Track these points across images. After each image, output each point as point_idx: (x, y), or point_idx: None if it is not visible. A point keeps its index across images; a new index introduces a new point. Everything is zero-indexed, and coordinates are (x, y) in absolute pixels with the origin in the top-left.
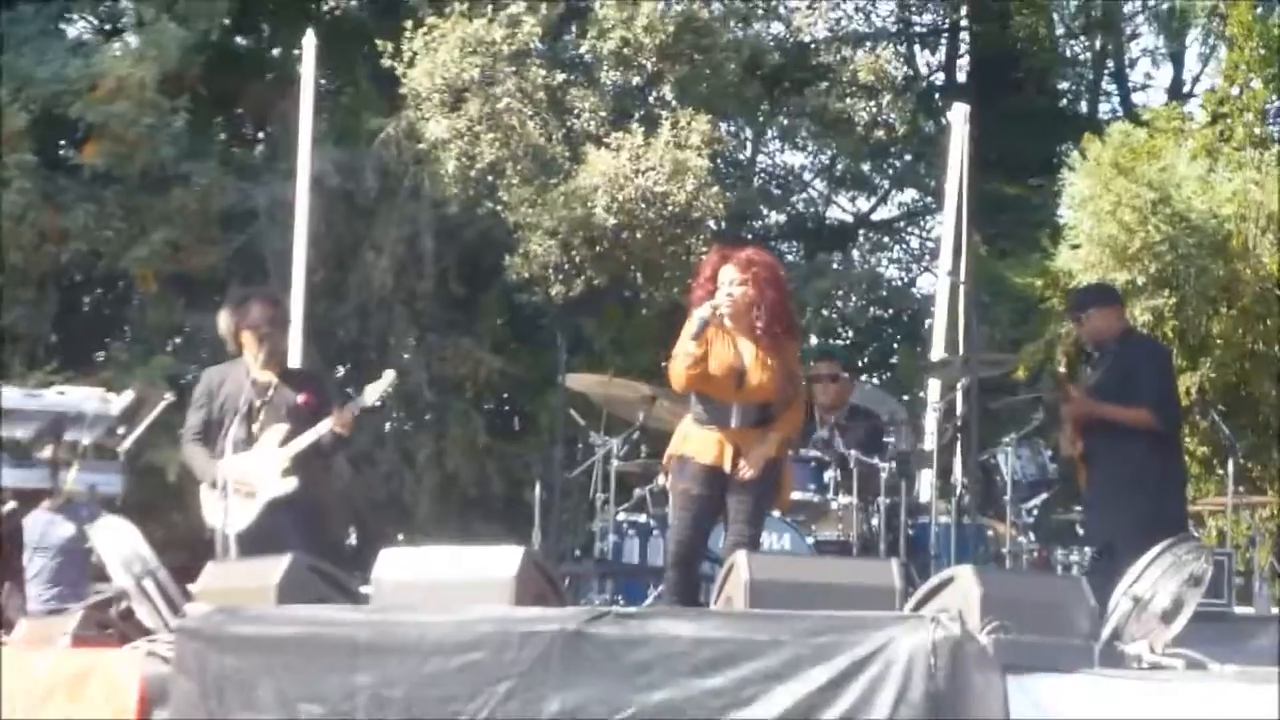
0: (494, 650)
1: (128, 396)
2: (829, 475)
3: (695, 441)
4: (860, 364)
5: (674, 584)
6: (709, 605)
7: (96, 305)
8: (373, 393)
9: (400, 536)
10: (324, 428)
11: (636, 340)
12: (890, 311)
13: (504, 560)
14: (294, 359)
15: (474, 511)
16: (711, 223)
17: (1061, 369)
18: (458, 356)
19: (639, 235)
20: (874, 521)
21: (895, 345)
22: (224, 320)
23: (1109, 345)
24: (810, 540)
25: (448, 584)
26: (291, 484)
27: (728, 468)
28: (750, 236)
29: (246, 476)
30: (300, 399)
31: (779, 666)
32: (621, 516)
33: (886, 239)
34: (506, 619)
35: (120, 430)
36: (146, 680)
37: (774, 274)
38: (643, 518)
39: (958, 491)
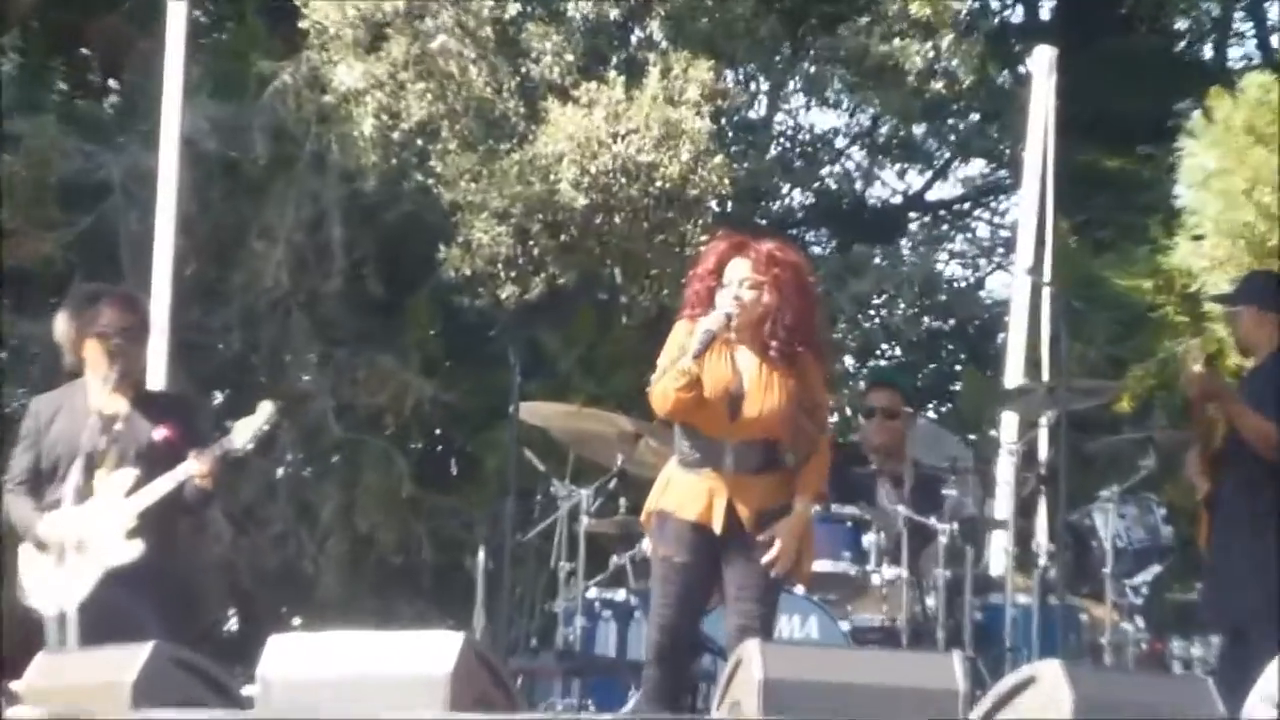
0: None
1: None
2: (869, 540)
3: (678, 491)
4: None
5: (657, 685)
6: (708, 713)
7: None
8: (244, 432)
9: (296, 620)
10: (180, 474)
11: (613, 359)
12: (951, 322)
13: (436, 651)
14: (155, 380)
15: (396, 586)
16: (714, 203)
17: (1197, 366)
18: (375, 379)
19: (617, 219)
20: (930, 601)
21: (957, 367)
22: (62, 327)
23: (1261, 358)
24: (845, 626)
25: (360, 683)
26: (135, 549)
27: (718, 526)
28: (765, 222)
29: (81, 536)
30: (159, 435)
31: None
32: (593, 593)
33: (946, 226)
34: None
35: None
36: None
37: (802, 280)
38: (621, 595)
39: (1041, 563)
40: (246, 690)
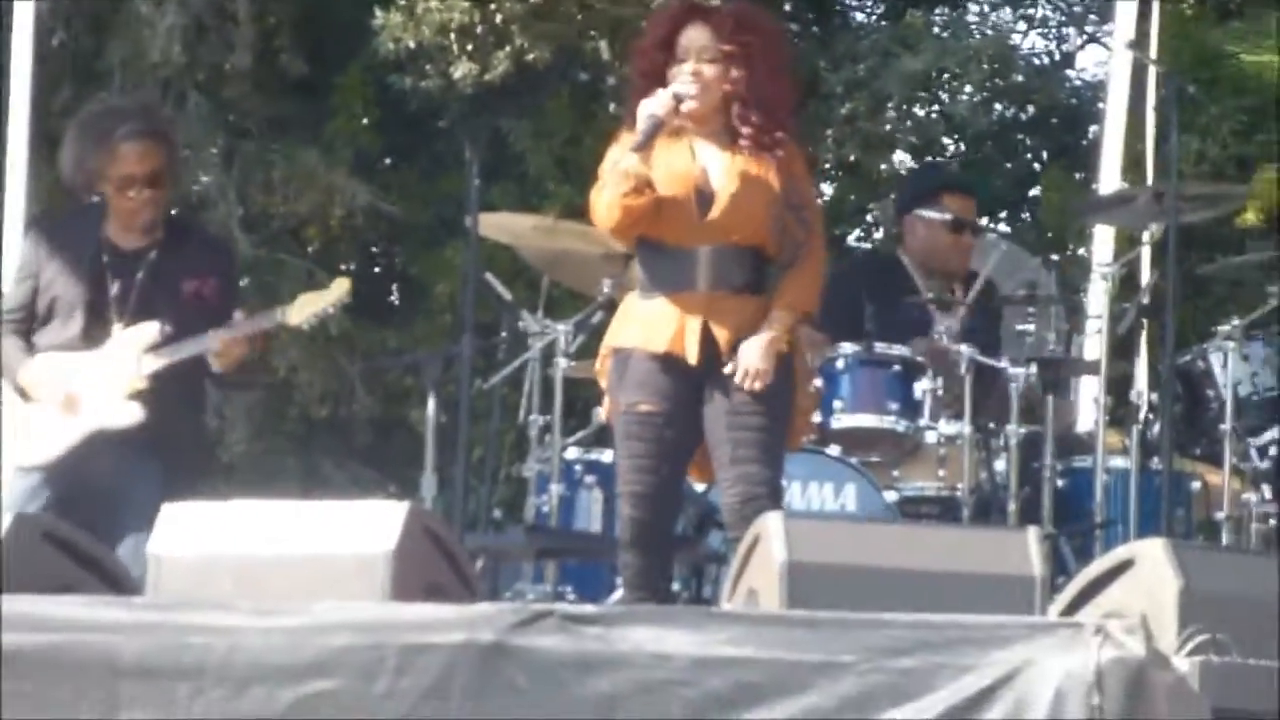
0: (357, 677)
1: None
2: (922, 387)
3: (639, 321)
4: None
5: (638, 573)
6: (717, 602)
7: None
8: (305, 308)
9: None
10: (211, 342)
11: (597, 157)
12: (1029, 110)
13: (373, 525)
14: (12, 187)
15: (322, 444)
16: None
17: None
18: (294, 181)
19: None
20: (999, 465)
21: (1037, 168)
22: (70, 162)
23: None
24: (891, 496)
25: (277, 563)
26: (131, 414)
27: (693, 356)
28: None
29: (72, 388)
30: (191, 285)
31: (837, 706)
32: (572, 454)
33: None
34: (378, 625)
35: None
36: None
37: (779, 50)
38: (607, 456)
39: (1142, 416)
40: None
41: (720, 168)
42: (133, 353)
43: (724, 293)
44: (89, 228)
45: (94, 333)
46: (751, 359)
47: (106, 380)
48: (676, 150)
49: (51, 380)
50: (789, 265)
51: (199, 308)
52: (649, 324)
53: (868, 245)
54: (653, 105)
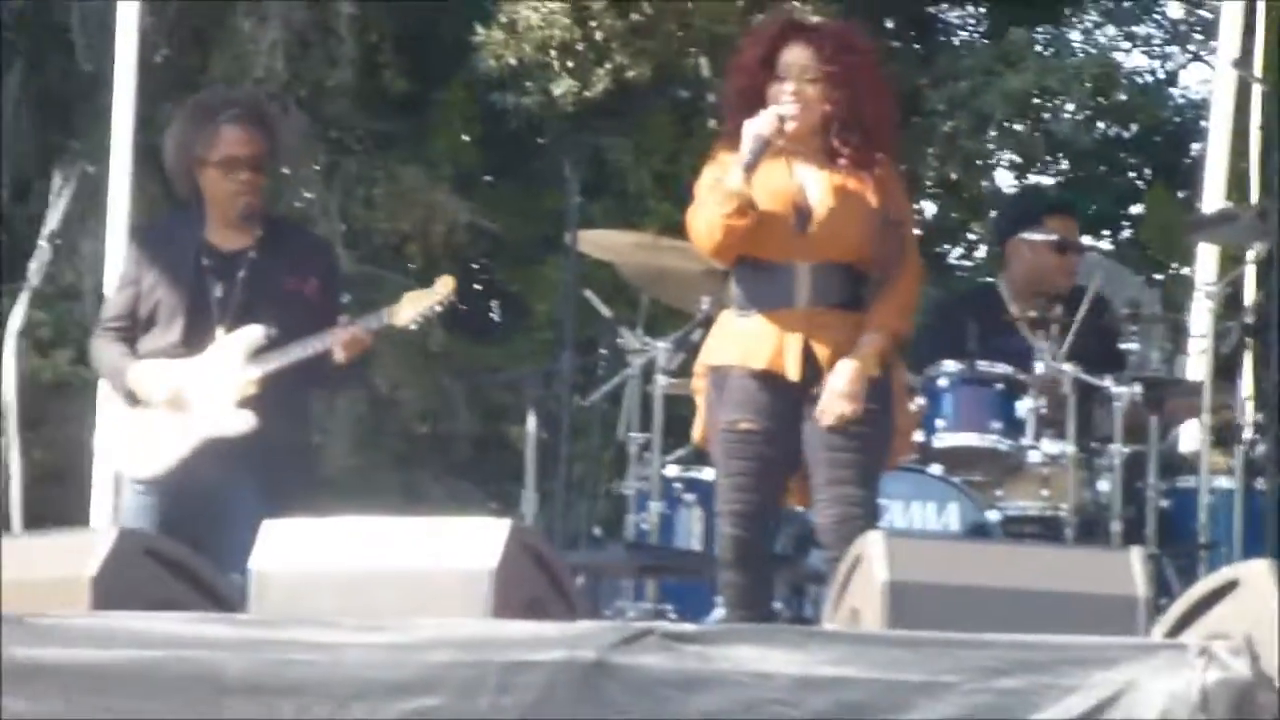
0: (459, 694)
1: None
2: (1025, 406)
3: (738, 338)
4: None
5: (740, 592)
6: (818, 622)
7: None
8: (411, 308)
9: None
10: (321, 343)
11: (697, 174)
12: (1132, 128)
13: (475, 542)
14: (117, 198)
15: (424, 460)
16: None
17: None
18: (395, 198)
19: None
20: (1102, 485)
21: (1141, 186)
22: (171, 149)
23: None
24: (995, 516)
25: (378, 580)
26: (244, 421)
27: (794, 375)
28: None
29: (182, 394)
30: (294, 285)
31: None
32: (672, 471)
33: (1129, 4)
34: (480, 642)
35: None
36: None
37: (878, 71)
38: (707, 474)
39: (1247, 435)
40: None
41: (818, 185)
42: (238, 357)
43: (823, 309)
44: (189, 232)
45: (196, 337)
46: (839, 386)
47: (214, 386)
48: (774, 167)
49: (159, 382)
50: (881, 286)
51: (301, 308)
52: (747, 341)
53: (969, 263)
54: (758, 126)
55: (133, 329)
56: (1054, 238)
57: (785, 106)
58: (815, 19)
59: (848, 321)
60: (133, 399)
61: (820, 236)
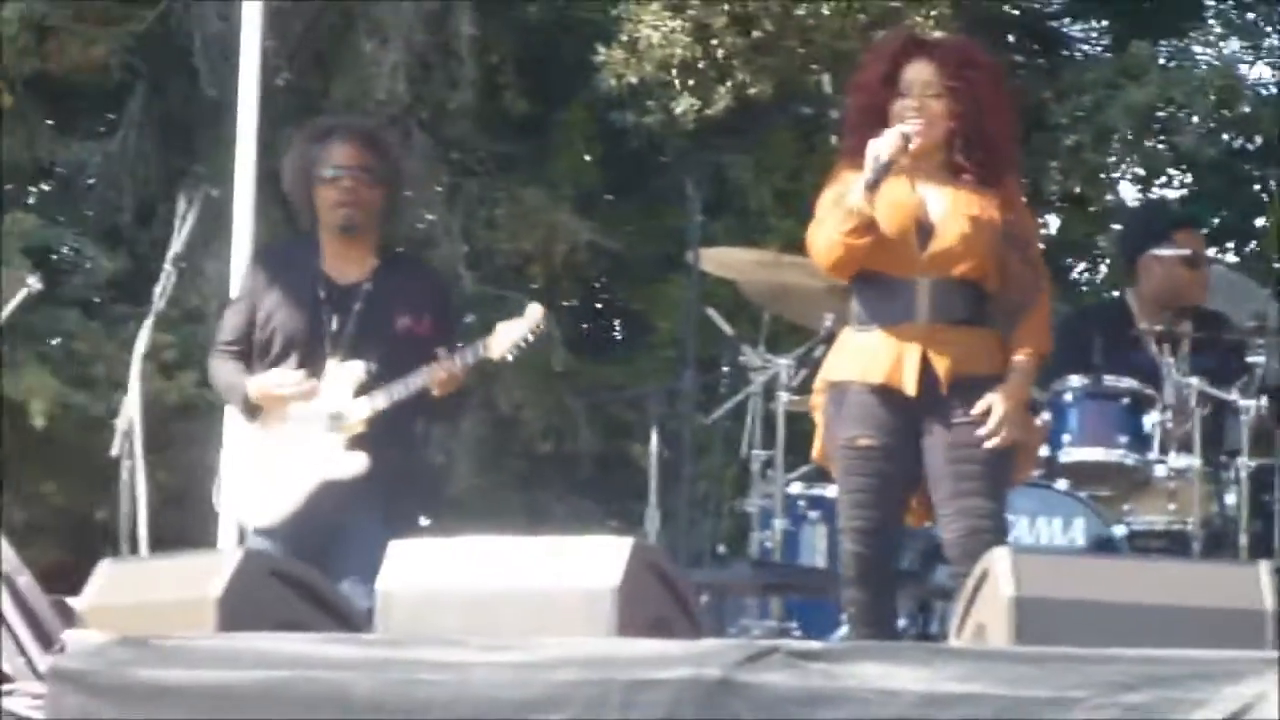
0: (584, 712)
1: None
2: (1152, 420)
3: (856, 353)
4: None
5: (864, 609)
6: (943, 638)
7: None
8: (505, 339)
9: (423, 520)
10: (419, 381)
11: (820, 190)
12: (1256, 140)
13: (598, 560)
14: (241, 224)
15: (547, 479)
16: None
17: None
18: (517, 219)
19: (825, 10)
20: (1229, 499)
21: (1265, 198)
22: (287, 173)
23: None
24: (1121, 530)
25: (503, 599)
26: (358, 463)
27: (910, 387)
28: (1018, 12)
29: (299, 433)
30: (405, 323)
31: None
32: (796, 489)
33: (1253, 16)
34: (604, 660)
35: None
36: None
37: (1001, 87)
38: (831, 491)
39: None
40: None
41: (941, 201)
42: (345, 392)
43: (943, 324)
44: (306, 260)
45: (309, 368)
46: (1008, 410)
47: (325, 424)
48: (896, 183)
49: (281, 381)
50: (1020, 308)
51: (412, 344)
52: (866, 356)
53: (1093, 277)
54: (882, 146)
55: (249, 352)
56: (1186, 252)
57: (909, 125)
58: (936, 35)
59: (967, 337)
60: (253, 413)
61: (941, 252)
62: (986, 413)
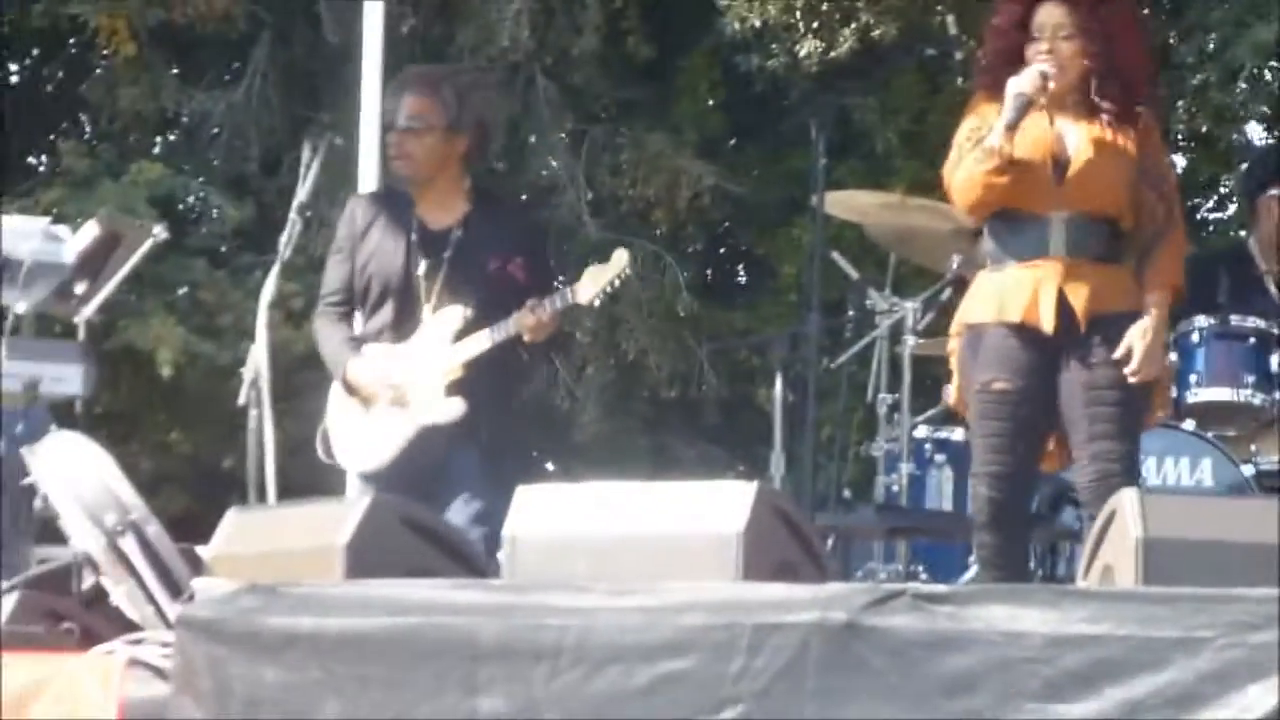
0: (711, 656)
1: (90, 232)
2: (1278, 360)
3: (991, 292)
4: None
5: (995, 553)
6: (1073, 580)
7: (31, 80)
8: (592, 284)
9: (550, 465)
10: (512, 327)
11: (946, 132)
12: None
13: (724, 505)
14: (366, 175)
15: (672, 424)
16: None
17: None
18: (641, 164)
19: None
20: None
21: None
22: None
23: None
24: (1249, 470)
25: (629, 543)
26: (455, 407)
27: (1047, 324)
28: None
29: (396, 382)
30: (497, 264)
31: (1195, 682)
32: (922, 432)
33: None
34: (731, 604)
35: (78, 289)
36: (127, 705)
37: (1134, 22)
38: (958, 434)
39: None
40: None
41: (1078, 137)
42: (444, 340)
43: (1079, 260)
44: (401, 207)
45: (405, 317)
46: (1149, 346)
47: (424, 372)
48: (1034, 119)
49: (378, 381)
50: (1154, 243)
51: (506, 286)
52: (1002, 295)
53: (1221, 217)
54: (1022, 84)
55: (350, 302)
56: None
57: (1048, 65)
58: None
59: (1104, 273)
60: (351, 390)
61: (1077, 187)
62: (1124, 353)
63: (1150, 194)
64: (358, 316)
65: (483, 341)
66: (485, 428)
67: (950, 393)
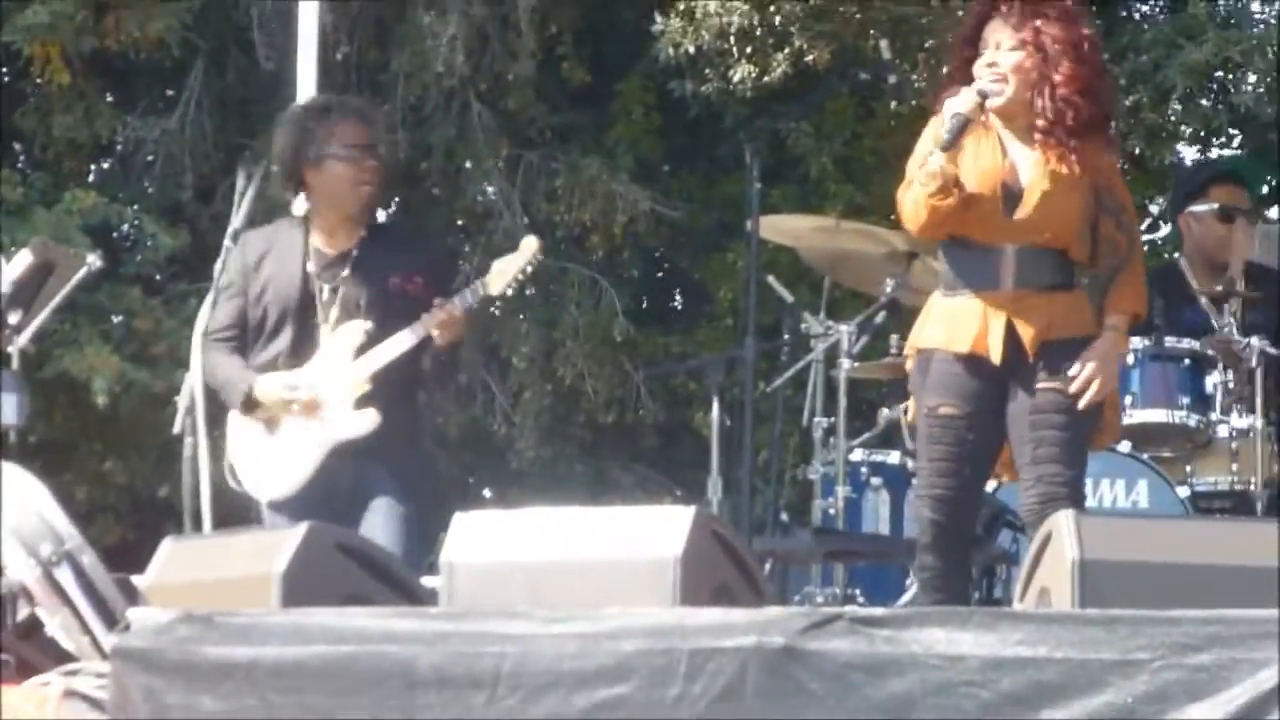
0: (649, 682)
1: (23, 260)
2: (1213, 381)
3: (943, 320)
4: (1263, 191)
5: (936, 575)
6: (1009, 603)
7: None
8: (501, 275)
9: (486, 491)
10: (420, 329)
11: (879, 156)
12: None
13: (661, 530)
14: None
15: (609, 449)
16: None
17: None
18: (577, 189)
19: None
20: None
21: None
22: (281, 149)
23: None
24: (1184, 491)
25: (566, 569)
26: (368, 420)
27: (996, 355)
28: None
29: (313, 400)
30: (396, 280)
31: (1132, 704)
32: (858, 455)
33: None
34: (668, 629)
35: (12, 317)
36: None
37: (1076, 35)
38: (894, 457)
39: None
40: (426, 582)
41: (1029, 166)
42: (346, 356)
43: (1029, 291)
44: (293, 237)
45: (303, 341)
46: (1097, 370)
47: (331, 388)
48: (985, 146)
49: (282, 390)
50: (1114, 271)
51: (406, 304)
52: (952, 323)
53: (1154, 238)
54: (958, 104)
55: (242, 337)
56: (1214, 206)
57: (985, 83)
58: None
59: (1054, 301)
60: (250, 407)
61: (1028, 220)
62: (1071, 378)
63: (1110, 224)
64: (256, 348)
65: (390, 350)
66: (393, 442)
67: (909, 411)
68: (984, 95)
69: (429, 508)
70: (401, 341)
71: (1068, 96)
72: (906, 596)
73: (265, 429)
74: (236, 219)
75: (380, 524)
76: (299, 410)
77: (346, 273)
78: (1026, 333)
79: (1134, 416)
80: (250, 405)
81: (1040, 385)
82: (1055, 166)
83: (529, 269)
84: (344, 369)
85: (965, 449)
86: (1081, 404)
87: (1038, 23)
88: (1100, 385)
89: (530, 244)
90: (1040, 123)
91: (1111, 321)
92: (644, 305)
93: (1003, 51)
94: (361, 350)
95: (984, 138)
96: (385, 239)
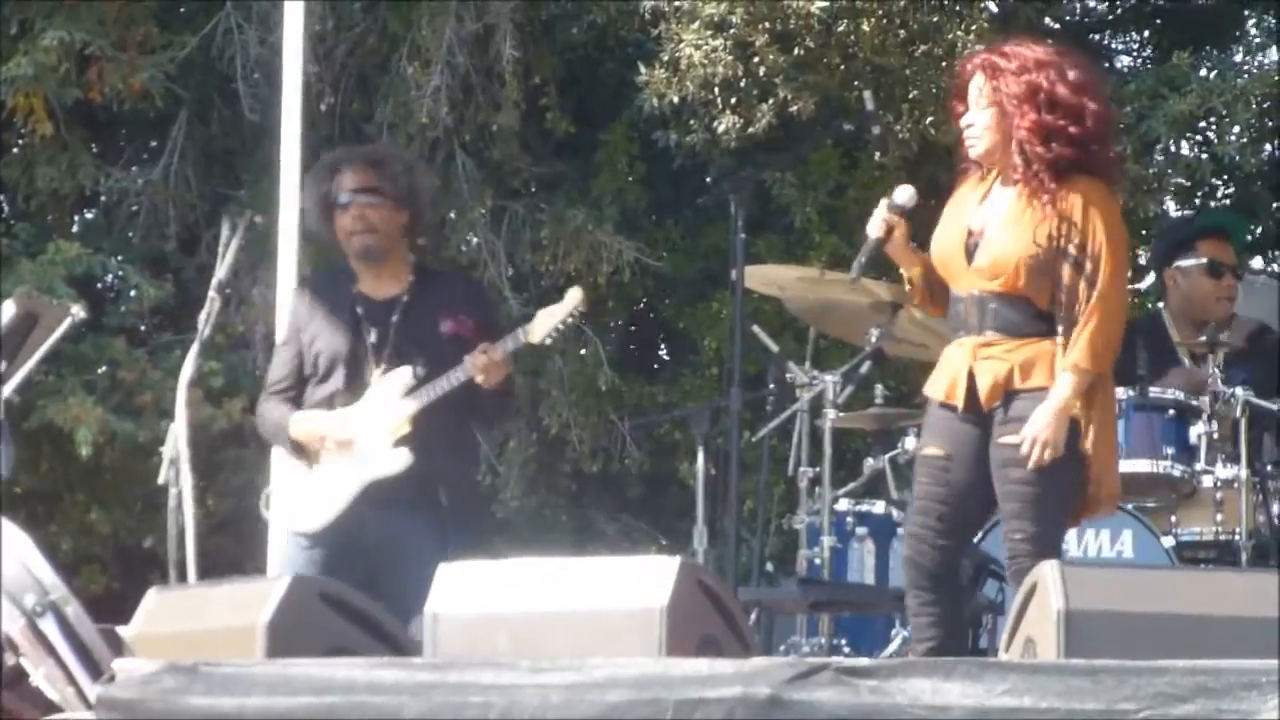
0: None
1: (7, 312)
2: (1197, 431)
3: (938, 367)
4: (1247, 240)
5: (918, 616)
6: (995, 653)
7: None
8: (544, 323)
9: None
10: (462, 373)
11: (864, 207)
12: None
13: (647, 580)
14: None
15: (593, 497)
16: (990, 2)
17: None
18: (561, 239)
19: (865, 26)
20: (1277, 508)
21: None
22: (311, 209)
23: None
24: (1169, 541)
25: (552, 620)
26: (400, 459)
27: (959, 404)
28: (1057, 26)
29: (342, 434)
30: (446, 327)
31: None
32: (844, 505)
33: None
34: (654, 680)
35: None
36: None
37: (1031, 82)
38: (879, 507)
39: None
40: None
41: (997, 214)
42: (393, 398)
43: (988, 338)
44: (343, 286)
45: (355, 384)
46: (1038, 428)
47: (372, 429)
48: (972, 192)
49: (319, 429)
50: (1071, 322)
51: (457, 346)
52: (939, 370)
53: (1138, 287)
54: (869, 228)
55: (298, 387)
56: (1203, 261)
57: (882, 210)
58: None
59: (1016, 351)
60: (300, 451)
61: (982, 266)
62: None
63: (1068, 271)
64: (309, 390)
65: (431, 392)
66: (444, 489)
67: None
68: (892, 217)
69: (461, 550)
70: (443, 384)
71: (1029, 146)
72: (892, 646)
73: (306, 464)
74: (221, 270)
75: (412, 574)
76: (333, 447)
77: (397, 317)
78: (983, 382)
79: (1119, 466)
80: (299, 448)
81: (998, 440)
82: (1021, 213)
83: (570, 319)
84: (387, 410)
85: (948, 490)
86: (1029, 465)
87: (996, 81)
88: (1043, 445)
89: (574, 295)
90: (1012, 173)
91: (1061, 378)
92: (629, 354)
93: (980, 107)
94: (408, 393)
95: (979, 183)
96: (433, 283)
